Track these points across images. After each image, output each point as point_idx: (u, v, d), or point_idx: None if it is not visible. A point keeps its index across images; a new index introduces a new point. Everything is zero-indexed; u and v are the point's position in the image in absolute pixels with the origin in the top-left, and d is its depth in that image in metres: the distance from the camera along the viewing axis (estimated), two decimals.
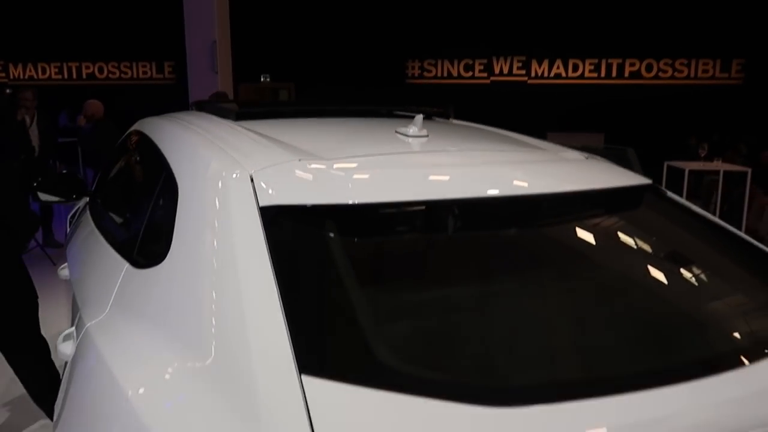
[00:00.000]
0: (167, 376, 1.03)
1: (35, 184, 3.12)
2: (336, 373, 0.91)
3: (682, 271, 1.45)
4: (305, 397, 0.88)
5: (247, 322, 0.99)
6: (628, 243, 1.48)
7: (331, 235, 1.21)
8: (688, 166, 6.46)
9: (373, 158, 1.47)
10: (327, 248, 1.19)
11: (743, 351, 1.09)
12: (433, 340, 1.08)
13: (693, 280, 1.43)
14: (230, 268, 1.11)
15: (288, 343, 0.94)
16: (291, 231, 1.19)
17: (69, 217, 3.82)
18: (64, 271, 2.61)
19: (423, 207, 1.32)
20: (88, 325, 1.49)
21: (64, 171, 3.74)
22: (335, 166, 1.38)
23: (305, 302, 1.03)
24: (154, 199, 1.75)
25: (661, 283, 1.36)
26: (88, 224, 2.76)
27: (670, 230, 1.55)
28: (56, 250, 5.97)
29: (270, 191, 1.26)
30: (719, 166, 6.50)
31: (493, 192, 1.34)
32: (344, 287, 1.11)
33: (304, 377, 0.90)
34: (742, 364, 1.01)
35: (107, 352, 1.24)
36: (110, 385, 1.10)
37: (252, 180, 1.30)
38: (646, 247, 1.49)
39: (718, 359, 1.05)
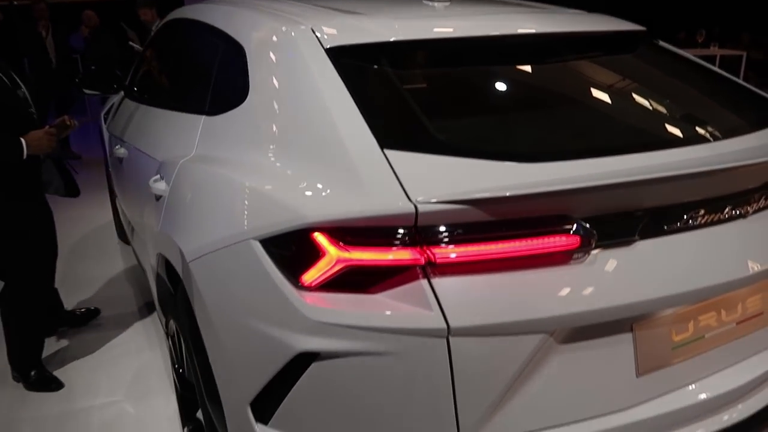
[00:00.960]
0: (281, 172, 1.37)
1: (77, 80, 3.39)
2: (407, 145, 1.25)
3: (667, 86, 1.79)
4: (389, 162, 1.22)
5: (336, 122, 1.32)
6: (622, 71, 1.81)
7: (382, 60, 1.54)
8: (685, 51, 6.66)
9: (405, 14, 1.79)
10: (380, 68, 1.53)
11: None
12: (474, 124, 1.42)
13: (676, 92, 1.78)
14: (311, 91, 1.43)
15: (368, 131, 1.28)
16: (353, 61, 1.50)
17: (102, 114, 4.11)
18: (120, 150, 2.93)
19: (445, 41, 1.66)
20: (181, 161, 1.83)
21: (93, 67, 3.97)
22: (376, 18, 1.70)
23: (374, 102, 1.36)
24: (216, 63, 2.03)
25: (651, 92, 1.71)
26: (137, 108, 3.05)
27: (659, 63, 1.88)
28: (75, 161, 6.26)
29: (329, 37, 1.56)
30: (715, 51, 6.72)
31: (507, 31, 1.67)
32: (398, 90, 1.45)
33: (386, 150, 1.24)
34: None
35: (215, 168, 1.58)
36: (229, 184, 1.45)
37: (313, 31, 1.59)
38: (638, 73, 1.82)
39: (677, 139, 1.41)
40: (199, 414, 1.80)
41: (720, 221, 1.36)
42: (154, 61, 2.99)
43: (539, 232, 1.20)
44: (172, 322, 1.94)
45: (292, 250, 1.26)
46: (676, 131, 1.51)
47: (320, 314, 1.19)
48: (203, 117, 1.93)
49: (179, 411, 2.20)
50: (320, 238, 1.21)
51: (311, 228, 1.21)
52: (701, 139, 1.42)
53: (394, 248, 1.17)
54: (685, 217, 1.31)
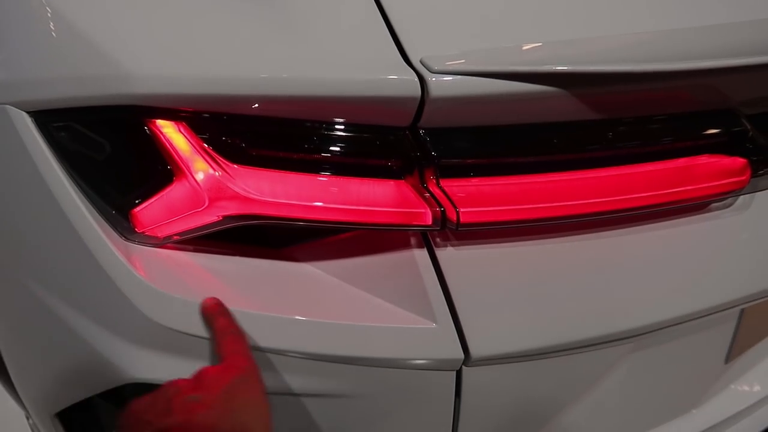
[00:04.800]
0: None
1: None
2: None
3: None
4: None
5: None
6: None
7: None
8: None
9: None
10: None
11: None
12: None
13: None
14: None
15: None
16: None
17: None
18: None
19: None
20: None
21: None
22: None
23: None
24: None
25: None
26: None
27: None
28: None
29: None
30: None
31: None
32: None
33: None
34: None
35: None
36: None
37: None
38: None
39: None
40: None
41: None
42: None
43: (665, 152, 0.55)
44: None
45: (104, 148, 0.53)
46: None
47: (170, 310, 0.52)
48: None
49: None
50: (172, 134, 0.49)
51: (147, 107, 0.48)
52: None
53: (362, 181, 0.48)
54: None
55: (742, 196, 0.61)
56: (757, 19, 0.56)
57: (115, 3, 0.50)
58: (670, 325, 0.61)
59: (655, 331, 0.62)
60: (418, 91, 0.44)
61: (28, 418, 1.12)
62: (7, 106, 0.55)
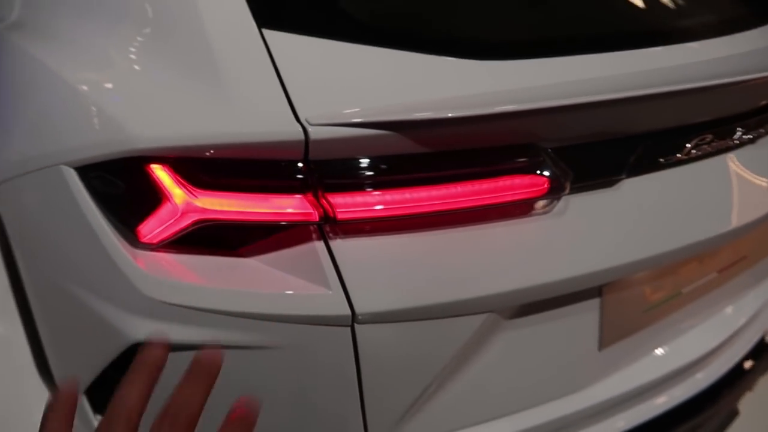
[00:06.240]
0: (111, 61, 0.89)
1: None
2: (301, 25, 0.80)
3: None
4: (269, 51, 0.77)
5: None
6: None
7: None
8: None
9: None
10: None
11: None
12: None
13: None
14: None
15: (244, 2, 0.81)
16: None
17: None
18: None
19: None
20: None
21: None
22: None
23: None
24: None
25: None
26: None
27: None
28: None
29: None
30: None
31: None
32: None
33: (267, 30, 0.78)
34: None
35: (31, 47, 1.06)
36: (48, 76, 0.95)
37: None
38: None
39: None
40: None
41: (728, 148, 1.02)
42: None
43: (488, 172, 0.81)
44: None
45: (120, 187, 0.82)
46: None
47: (161, 289, 0.79)
48: None
49: None
50: (159, 172, 0.78)
51: (144, 157, 0.78)
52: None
53: (273, 195, 0.76)
54: (688, 145, 0.95)
55: (558, 205, 0.86)
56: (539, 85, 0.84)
57: (121, 89, 0.81)
58: (519, 296, 0.85)
59: (511, 300, 0.85)
60: (302, 137, 0.73)
61: None
62: (62, 165, 0.86)
